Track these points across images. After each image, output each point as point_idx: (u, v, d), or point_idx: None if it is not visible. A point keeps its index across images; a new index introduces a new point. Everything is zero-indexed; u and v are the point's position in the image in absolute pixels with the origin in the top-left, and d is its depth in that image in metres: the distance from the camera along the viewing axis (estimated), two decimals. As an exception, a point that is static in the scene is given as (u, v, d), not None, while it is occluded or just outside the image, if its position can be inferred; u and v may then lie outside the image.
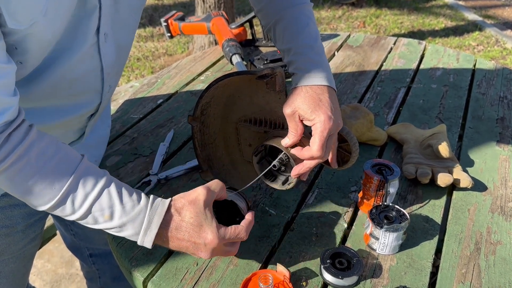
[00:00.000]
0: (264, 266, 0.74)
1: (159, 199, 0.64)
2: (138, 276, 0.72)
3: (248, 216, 0.68)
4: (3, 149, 0.54)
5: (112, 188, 0.61)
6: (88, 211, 0.60)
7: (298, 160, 0.71)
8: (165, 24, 1.53)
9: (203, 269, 0.73)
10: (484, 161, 0.99)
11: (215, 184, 0.66)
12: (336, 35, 1.65)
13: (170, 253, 0.76)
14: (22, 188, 0.58)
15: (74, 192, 0.59)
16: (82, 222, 0.62)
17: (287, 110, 0.69)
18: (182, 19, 1.54)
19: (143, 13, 4.39)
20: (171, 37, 1.55)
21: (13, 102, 0.55)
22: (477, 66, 1.43)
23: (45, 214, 0.91)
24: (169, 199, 0.64)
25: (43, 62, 0.62)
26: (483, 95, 1.26)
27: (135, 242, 0.77)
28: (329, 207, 0.86)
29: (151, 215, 0.61)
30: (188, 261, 0.74)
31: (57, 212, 0.61)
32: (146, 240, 0.62)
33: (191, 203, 0.62)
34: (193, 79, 1.35)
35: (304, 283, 0.71)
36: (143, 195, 0.64)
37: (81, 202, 0.59)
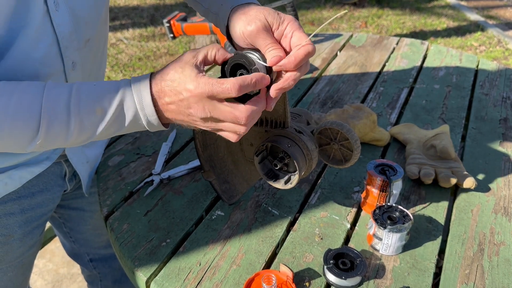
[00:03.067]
0: (267, 266, 0.74)
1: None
2: (141, 276, 0.72)
3: (255, 75, 0.55)
4: None
5: (88, 84, 0.56)
6: (79, 117, 0.55)
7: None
8: (168, 25, 1.53)
9: (206, 269, 0.73)
10: (487, 161, 0.99)
11: (205, 47, 0.58)
12: (338, 35, 1.64)
13: (173, 253, 0.76)
14: (3, 133, 0.54)
15: (54, 107, 0.54)
16: (86, 136, 0.58)
17: (253, 25, 0.58)
18: (184, 19, 1.54)
19: (145, 13, 4.39)
20: (174, 37, 1.55)
21: None
22: (480, 67, 1.43)
23: (43, 221, 0.89)
24: (149, 73, 0.59)
25: (2, 45, 0.59)
26: (486, 96, 1.26)
27: (139, 242, 0.77)
28: (332, 207, 0.86)
29: (137, 86, 0.56)
30: (192, 261, 0.74)
31: (54, 139, 0.56)
32: (148, 113, 0.57)
33: (171, 63, 0.57)
34: (196, 79, 1.35)
35: (307, 284, 0.70)
36: (122, 79, 0.59)
37: (67, 113, 0.55)
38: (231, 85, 0.54)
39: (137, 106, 0.57)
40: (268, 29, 0.59)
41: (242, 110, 0.55)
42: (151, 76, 0.58)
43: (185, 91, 0.55)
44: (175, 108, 0.56)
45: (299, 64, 0.57)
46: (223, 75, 0.61)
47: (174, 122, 0.60)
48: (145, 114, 0.57)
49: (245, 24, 0.59)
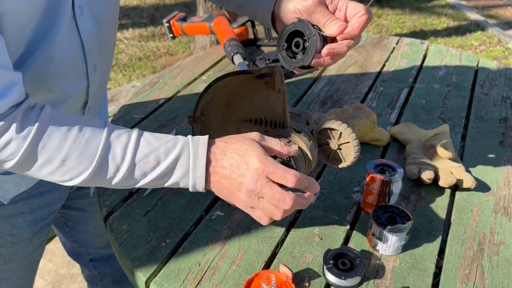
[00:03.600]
0: (267, 266, 0.74)
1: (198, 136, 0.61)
2: (141, 276, 0.72)
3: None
4: (20, 133, 0.52)
5: (147, 134, 0.59)
6: (132, 163, 0.57)
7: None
8: (167, 25, 1.53)
9: (206, 269, 0.73)
10: (487, 161, 0.99)
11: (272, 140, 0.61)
12: (338, 35, 1.64)
13: (173, 254, 0.76)
14: (56, 162, 0.55)
15: (111, 148, 0.56)
16: (130, 182, 0.59)
17: (310, 0, 0.62)
18: (184, 19, 1.54)
19: (145, 13, 4.39)
20: (174, 37, 1.54)
21: (17, 77, 0.53)
22: (480, 66, 1.43)
23: (50, 220, 0.90)
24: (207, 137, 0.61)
25: (28, 48, 0.60)
26: (486, 95, 1.26)
27: (138, 243, 0.77)
28: (331, 207, 0.86)
29: (195, 146, 0.58)
30: (191, 261, 0.74)
31: (100, 178, 0.57)
32: (198, 175, 0.58)
33: (236, 136, 0.60)
34: (195, 79, 1.35)
35: (306, 284, 0.70)
36: (179, 136, 0.61)
37: (122, 156, 0.56)
38: (292, 177, 0.57)
39: (190, 165, 0.58)
40: (323, 3, 0.63)
41: (291, 196, 0.57)
42: (210, 139, 0.59)
43: (250, 161, 0.57)
44: (228, 173, 0.58)
45: (362, 30, 0.62)
46: (279, 39, 0.66)
47: (213, 188, 0.60)
48: (195, 176, 0.58)
49: (300, 1, 0.63)
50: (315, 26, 0.63)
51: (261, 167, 0.56)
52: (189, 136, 0.60)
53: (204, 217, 0.84)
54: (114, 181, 0.58)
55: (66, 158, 0.55)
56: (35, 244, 0.88)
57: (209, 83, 0.72)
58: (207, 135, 0.60)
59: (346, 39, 0.62)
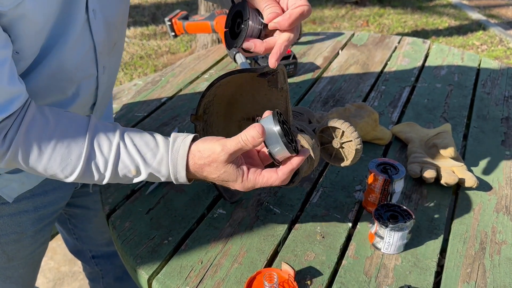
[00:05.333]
0: (269, 264, 0.74)
1: (179, 139, 0.61)
2: (143, 274, 0.72)
3: (293, 161, 0.59)
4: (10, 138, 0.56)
5: (128, 142, 0.61)
6: (115, 172, 0.61)
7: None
8: (169, 23, 1.53)
9: (208, 267, 0.73)
10: (489, 160, 0.99)
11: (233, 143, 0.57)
12: (340, 34, 1.64)
13: (175, 251, 0.76)
14: (41, 167, 0.59)
15: (94, 159, 0.59)
16: (117, 181, 0.63)
17: None
18: (186, 18, 1.54)
19: (146, 11, 4.39)
20: (175, 36, 1.54)
21: (22, 90, 0.56)
22: (481, 66, 1.43)
23: (53, 218, 0.91)
24: (189, 140, 0.60)
25: (41, 52, 0.60)
26: (488, 95, 1.26)
27: (141, 240, 0.77)
28: (333, 206, 0.86)
29: (174, 160, 0.60)
30: (193, 259, 0.74)
31: (87, 181, 0.62)
32: (181, 181, 0.62)
33: (210, 164, 0.58)
34: (197, 77, 1.35)
35: (308, 282, 0.71)
36: (160, 139, 0.62)
37: (104, 167, 0.60)
38: (271, 180, 0.59)
39: (171, 176, 0.62)
40: None
41: (273, 177, 0.59)
42: (189, 154, 0.60)
43: (232, 187, 0.61)
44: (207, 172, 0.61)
45: (293, 23, 0.57)
46: (227, 18, 0.63)
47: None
48: (176, 179, 0.62)
49: None
50: (257, 10, 0.60)
51: (247, 190, 0.61)
52: (170, 143, 0.61)
53: (206, 215, 0.84)
54: (103, 183, 0.63)
55: (47, 168, 0.59)
56: (38, 242, 0.89)
57: (212, 82, 0.72)
58: (189, 142, 0.60)
59: (276, 29, 0.58)
